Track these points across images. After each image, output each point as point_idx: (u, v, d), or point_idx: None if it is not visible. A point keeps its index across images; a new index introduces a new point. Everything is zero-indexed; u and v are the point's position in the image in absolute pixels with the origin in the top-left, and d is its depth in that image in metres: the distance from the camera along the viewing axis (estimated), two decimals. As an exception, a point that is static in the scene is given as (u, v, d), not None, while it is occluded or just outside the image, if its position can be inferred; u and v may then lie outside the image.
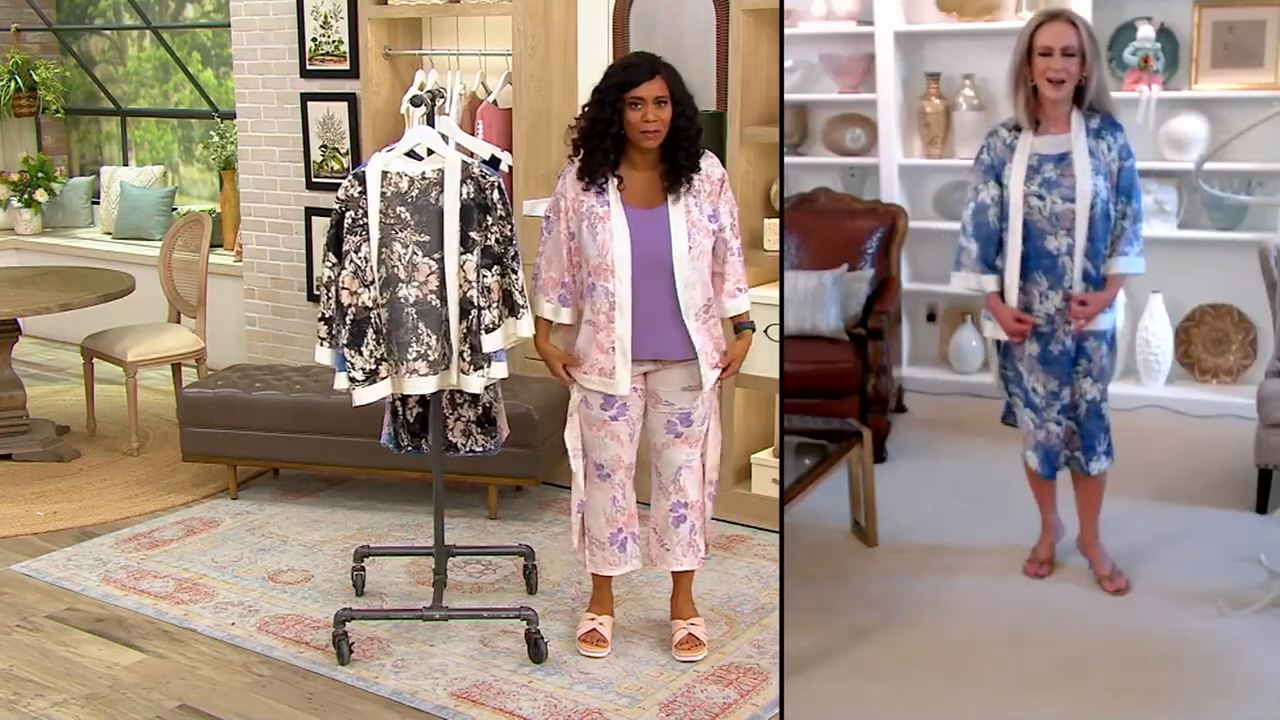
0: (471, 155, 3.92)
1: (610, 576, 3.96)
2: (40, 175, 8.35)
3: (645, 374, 3.77)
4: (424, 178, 3.73)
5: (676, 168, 3.62)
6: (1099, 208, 3.21)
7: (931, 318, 4.20)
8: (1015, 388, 3.41)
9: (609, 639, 3.92)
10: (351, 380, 3.72)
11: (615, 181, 3.63)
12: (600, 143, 3.61)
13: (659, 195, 3.65)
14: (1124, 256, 3.27)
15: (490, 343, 3.70)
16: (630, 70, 3.59)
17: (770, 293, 4.74)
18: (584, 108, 3.68)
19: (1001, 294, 3.30)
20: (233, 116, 7.03)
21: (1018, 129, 3.27)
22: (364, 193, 3.71)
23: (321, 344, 3.79)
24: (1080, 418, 3.37)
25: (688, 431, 3.78)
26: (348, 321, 3.71)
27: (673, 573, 3.96)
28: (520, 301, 3.72)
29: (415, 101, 3.93)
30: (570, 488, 5.27)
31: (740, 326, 3.84)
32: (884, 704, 3.05)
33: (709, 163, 3.70)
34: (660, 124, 3.58)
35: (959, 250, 3.34)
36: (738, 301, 3.80)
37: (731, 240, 3.75)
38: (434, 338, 3.72)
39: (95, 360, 6.12)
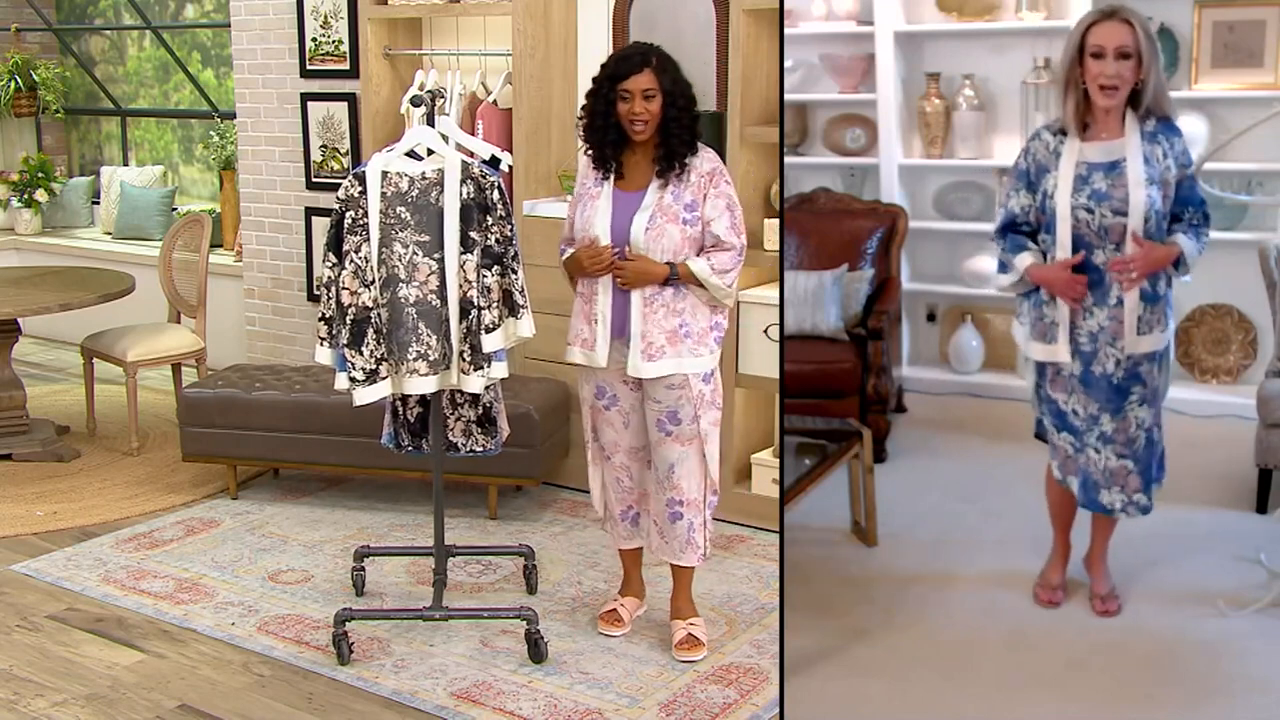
0: (471, 155, 3.92)
1: (638, 562, 4.08)
2: (40, 175, 8.35)
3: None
4: (424, 178, 3.73)
5: (668, 155, 3.70)
6: (1153, 220, 2.91)
7: (931, 318, 4.20)
8: (1051, 407, 3.18)
9: (626, 620, 4.02)
10: (352, 380, 3.72)
11: (614, 166, 3.75)
12: (598, 134, 3.74)
13: (648, 180, 3.74)
14: (1186, 236, 2.96)
15: (490, 343, 3.70)
16: (621, 63, 3.71)
17: (770, 293, 4.74)
18: (585, 97, 3.80)
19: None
20: (233, 116, 7.03)
21: (1063, 132, 2.97)
22: (364, 193, 3.71)
23: (321, 344, 3.80)
24: (1138, 450, 3.06)
25: (677, 430, 3.79)
26: (348, 321, 3.71)
27: (672, 571, 3.98)
28: (520, 301, 3.73)
29: (415, 101, 3.92)
30: (570, 488, 5.33)
31: (673, 270, 3.66)
32: (883, 704, 3.05)
33: (703, 155, 3.72)
34: (648, 115, 3.67)
35: (999, 262, 3.15)
36: (699, 264, 3.65)
37: (726, 235, 3.66)
38: (434, 338, 3.72)
39: (95, 360, 6.12)
